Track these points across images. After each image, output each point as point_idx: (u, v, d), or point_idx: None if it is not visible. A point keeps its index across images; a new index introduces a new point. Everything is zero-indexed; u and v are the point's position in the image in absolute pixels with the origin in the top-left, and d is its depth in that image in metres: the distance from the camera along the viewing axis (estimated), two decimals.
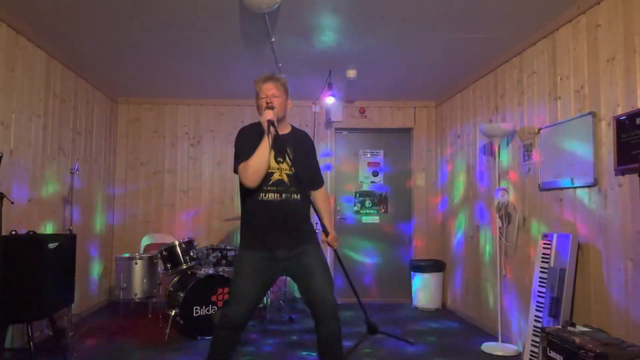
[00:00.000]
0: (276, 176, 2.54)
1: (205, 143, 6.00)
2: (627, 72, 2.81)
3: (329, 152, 6.06)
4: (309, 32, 3.84)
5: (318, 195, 2.81)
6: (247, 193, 2.56)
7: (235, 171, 2.54)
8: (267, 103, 2.53)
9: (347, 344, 3.94)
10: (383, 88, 5.55)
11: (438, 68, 4.74)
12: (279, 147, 2.53)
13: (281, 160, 2.52)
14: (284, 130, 2.66)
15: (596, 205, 3.05)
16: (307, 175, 2.68)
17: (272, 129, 2.44)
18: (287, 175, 2.55)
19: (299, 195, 2.56)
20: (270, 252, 2.53)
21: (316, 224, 2.63)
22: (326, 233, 2.57)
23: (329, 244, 2.62)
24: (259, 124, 2.59)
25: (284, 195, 2.54)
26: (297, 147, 2.64)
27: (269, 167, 2.52)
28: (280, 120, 2.61)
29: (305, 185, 2.61)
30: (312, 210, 2.63)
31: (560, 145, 3.41)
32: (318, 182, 2.82)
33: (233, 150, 2.61)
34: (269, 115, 2.45)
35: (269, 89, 2.56)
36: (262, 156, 2.44)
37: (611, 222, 2.92)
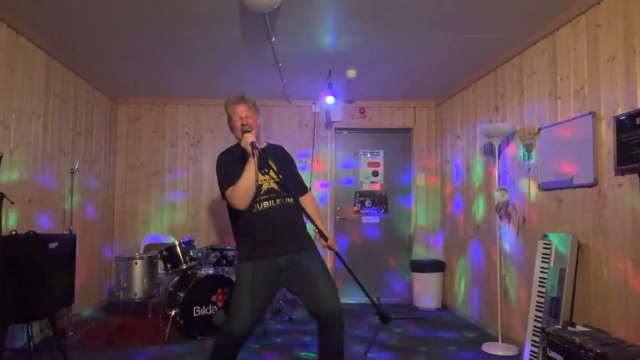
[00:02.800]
0: (266, 186, 2.58)
1: (205, 143, 6.00)
2: (627, 72, 2.81)
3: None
4: (309, 32, 3.84)
5: (306, 202, 2.83)
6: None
7: (224, 197, 2.57)
8: (242, 125, 2.59)
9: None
10: (383, 88, 5.55)
11: (438, 68, 4.74)
12: (261, 160, 2.55)
13: (266, 171, 2.55)
14: (260, 146, 2.70)
15: (596, 205, 3.05)
16: (292, 183, 2.74)
17: (255, 151, 2.46)
18: (276, 183, 2.60)
19: (291, 198, 2.61)
20: (272, 260, 2.52)
21: (315, 231, 2.66)
22: (324, 237, 2.62)
23: (329, 248, 2.66)
24: (236, 147, 2.66)
25: (278, 200, 2.58)
26: (276, 159, 2.70)
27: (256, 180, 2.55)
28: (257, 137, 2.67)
29: (293, 190, 2.68)
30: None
31: (560, 145, 3.41)
32: (303, 188, 2.87)
33: None
34: (250, 138, 2.49)
35: (242, 111, 2.63)
36: (250, 178, 2.46)
37: (611, 222, 2.92)
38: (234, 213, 2.61)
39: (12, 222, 3.55)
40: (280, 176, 2.55)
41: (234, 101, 2.65)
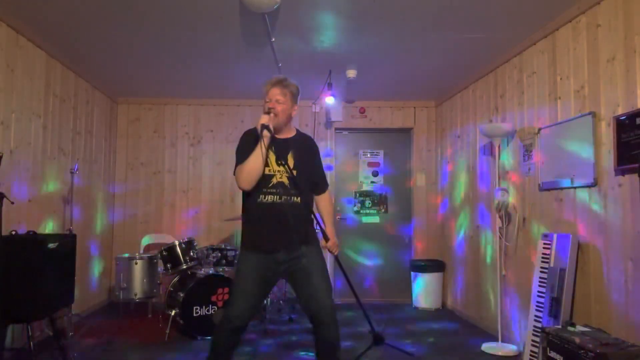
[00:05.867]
0: (276, 179, 2.56)
1: (205, 143, 6.00)
2: (627, 72, 2.81)
3: (329, 152, 6.06)
4: (309, 32, 3.84)
5: (321, 201, 2.82)
6: (248, 195, 2.58)
7: (234, 174, 2.58)
8: (268, 108, 2.56)
9: (347, 344, 3.95)
10: (383, 88, 5.55)
11: (438, 68, 4.74)
12: (281, 150, 2.54)
13: (283, 163, 2.53)
14: (288, 134, 2.70)
15: (596, 205, 3.05)
16: (310, 179, 2.71)
17: (265, 132, 2.44)
18: (288, 178, 2.57)
19: (299, 198, 2.58)
20: (270, 253, 2.55)
21: (316, 225, 2.66)
22: (326, 239, 2.62)
23: (329, 250, 2.66)
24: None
25: (283, 197, 2.55)
26: (301, 151, 2.67)
27: (270, 169, 2.55)
28: (284, 125, 2.64)
29: (306, 188, 2.65)
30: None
31: (560, 145, 3.41)
32: (322, 186, 2.83)
33: (233, 150, 2.65)
34: (263, 119, 2.48)
35: (274, 94, 2.60)
36: (256, 160, 2.46)
37: (611, 222, 2.92)
38: (243, 200, 2.63)
39: (12, 222, 3.55)
40: (295, 172, 2.54)
41: (272, 82, 2.64)
